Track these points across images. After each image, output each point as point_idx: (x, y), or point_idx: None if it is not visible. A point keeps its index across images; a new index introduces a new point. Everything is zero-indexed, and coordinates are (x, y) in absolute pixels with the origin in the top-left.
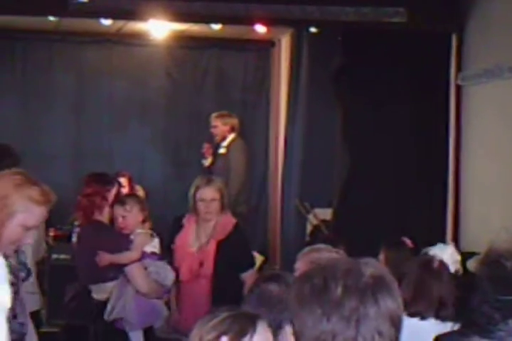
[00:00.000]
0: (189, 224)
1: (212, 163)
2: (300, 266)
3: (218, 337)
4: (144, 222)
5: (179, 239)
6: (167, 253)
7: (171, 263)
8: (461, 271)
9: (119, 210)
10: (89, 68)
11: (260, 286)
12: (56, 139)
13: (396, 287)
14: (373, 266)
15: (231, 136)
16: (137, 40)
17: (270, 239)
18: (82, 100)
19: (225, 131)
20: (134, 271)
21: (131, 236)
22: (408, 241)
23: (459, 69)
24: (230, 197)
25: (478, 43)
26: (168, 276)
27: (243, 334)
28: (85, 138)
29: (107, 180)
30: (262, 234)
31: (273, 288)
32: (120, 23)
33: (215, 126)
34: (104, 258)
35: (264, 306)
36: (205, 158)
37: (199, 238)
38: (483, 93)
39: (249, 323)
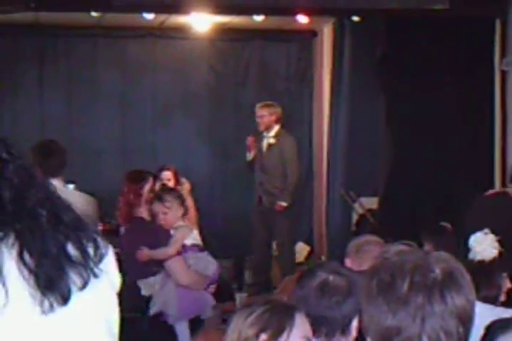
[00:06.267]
0: None
1: (254, 157)
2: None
3: (257, 334)
4: (183, 215)
5: None
6: None
7: None
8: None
9: (158, 207)
10: (133, 62)
11: (320, 275)
12: (101, 134)
13: (468, 283)
14: (445, 261)
15: (277, 127)
16: (180, 33)
17: (316, 229)
18: (126, 94)
19: (271, 121)
20: (174, 265)
21: (172, 231)
22: (448, 226)
23: (503, 54)
24: (288, 190)
25: None
26: (209, 267)
27: (282, 329)
28: (130, 132)
29: (138, 176)
30: (307, 224)
31: (332, 278)
32: (162, 17)
33: (262, 116)
34: (144, 254)
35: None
36: (249, 151)
37: None
38: None
39: (287, 317)
